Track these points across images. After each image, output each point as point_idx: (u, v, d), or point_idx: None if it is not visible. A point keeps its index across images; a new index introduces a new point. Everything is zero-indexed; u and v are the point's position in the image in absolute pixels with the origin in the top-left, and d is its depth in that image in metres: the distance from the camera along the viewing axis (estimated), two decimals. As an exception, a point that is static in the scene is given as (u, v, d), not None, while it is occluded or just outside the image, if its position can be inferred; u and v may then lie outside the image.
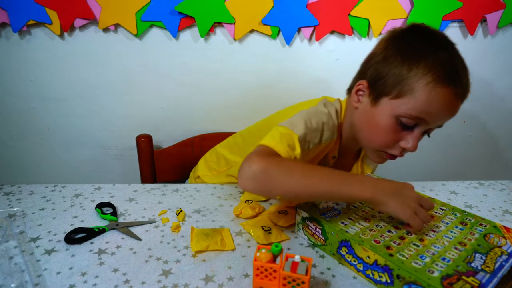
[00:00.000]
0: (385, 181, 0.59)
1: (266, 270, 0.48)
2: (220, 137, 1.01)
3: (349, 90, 0.75)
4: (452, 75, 0.61)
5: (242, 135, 0.91)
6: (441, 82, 0.60)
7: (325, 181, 0.56)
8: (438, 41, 0.64)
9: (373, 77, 0.67)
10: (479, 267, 0.48)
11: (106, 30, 1.05)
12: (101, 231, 0.62)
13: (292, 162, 0.59)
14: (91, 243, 0.60)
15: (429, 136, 0.69)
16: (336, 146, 0.77)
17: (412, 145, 0.65)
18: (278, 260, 0.48)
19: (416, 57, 0.62)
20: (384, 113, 0.65)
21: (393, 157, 0.70)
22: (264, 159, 0.57)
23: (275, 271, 0.47)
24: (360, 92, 0.70)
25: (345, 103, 0.76)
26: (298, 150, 0.63)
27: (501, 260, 0.50)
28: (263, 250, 0.48)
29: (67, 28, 1.02)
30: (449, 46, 0.64)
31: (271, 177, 0.56)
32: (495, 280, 0.46)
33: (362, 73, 0.71)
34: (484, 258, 0.50)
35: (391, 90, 0.64)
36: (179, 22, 1.03)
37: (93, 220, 0.66)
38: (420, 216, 0.54)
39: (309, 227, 0.61)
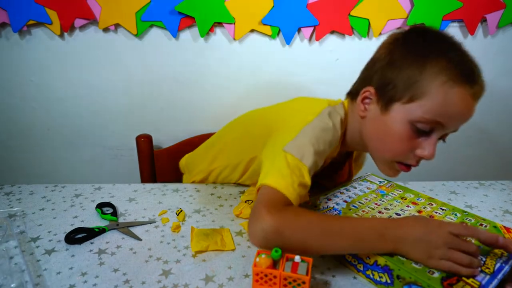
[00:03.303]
0: (408, 224, 0.52)
1: (266, 275, 0.47)
2: (220, 137, 1.01)
3: (350, 94, 0.71)
4: (468, 74, 0.58)
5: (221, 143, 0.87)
6: (458, 81, 0.57)
7: (344, 239, 0.52)
8: (445, 40, 0.61)
9: (381, 83, 0.62)
10: (479, 269, 0.48)
11: (106, 30, 1.05)
12: (101, 231, 0.62)
13: (306, 219, 0.53)
14: (91, 243, 0.60)
15: (444, 141, 0.65)
16: (336, 150, 0.74)
17: (429, 152, 0.60)
18: (278, 265, 0.48)
19: (425, 58, 0.59)
20: (397, 119, 0.60)
21: (408, 167, 0.65)
22: (276, 217, 0.51)
23: (275, 276, 0.47)
24: (367, 100, 0.65)
25: (347, 107, 0.72)
26: (308, 182, 0.58)
27: (501, 261, 0.50)
28: (263, 255, 0.48)
29: (67, 28, 1.02)
30: (457, 45, 0.61)
31: (285, 239, 0.51)
32: (495, 282, 0.46)
33: (366, 80, 0.66)
34: (484, 259, 0.50)
35: (402, 94, 0.59)
36: (179, 22, 1.03)
37: (93, 220, 0.66)
38: (453, 260, 0.48)
39: (309, 227, 0.60)
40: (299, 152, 0.59)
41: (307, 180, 0.58)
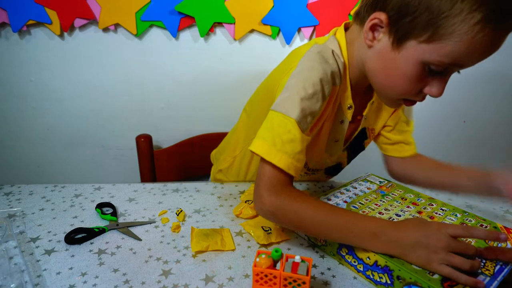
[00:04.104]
0: (406, 228, 0.51)
1: (266, 276, 0.47)
2: (220, 137, 1.00)
3: (358, 17, 0.60)
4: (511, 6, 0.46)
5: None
6: (494, 19, 0.45)
7: (334, 231, 0.54)
8: None
9: (397, 11, 0.51)
10: (479, 271, 0.48)
11: (106, 30, 1.05)
12: (101, 231, 0.62)
13: (300, 206, 0.54)
14: (91, 243, 0.60)
15: (459, 72, 0.56)
16: (346, 92, 0.65)
17: (438, 91, 0.54)
18: (278, 265, 0.48)
19: None
20: (409, 59, 0.52)
21: (413, 103, 0.60)
22: (272, 199, 0.54)
23: (275, 277, 0.47)
24: (377, 28, 0.55)
25: (352, 32, 0.63)
26: (296, 135, 0.55)
27: (501, 263, 0.50)
28: (263, 256, 0.47)
29: (67, 28, 1.02)
30: None
31: (279, 220, 0.57)
32: (495, 284, 0.46)
33: (378, 2, 0.54)
34: (484, 261, 0.50)
35: (421, 31, 0.49)
36: (179, 22, 1.03)
37: (93, 220, 0.66)
38: (454, 264, 0.46)
39: (309, 228, 0.60)
40: (284, 107, 0.56)
41: (295, 133, 0.55)
